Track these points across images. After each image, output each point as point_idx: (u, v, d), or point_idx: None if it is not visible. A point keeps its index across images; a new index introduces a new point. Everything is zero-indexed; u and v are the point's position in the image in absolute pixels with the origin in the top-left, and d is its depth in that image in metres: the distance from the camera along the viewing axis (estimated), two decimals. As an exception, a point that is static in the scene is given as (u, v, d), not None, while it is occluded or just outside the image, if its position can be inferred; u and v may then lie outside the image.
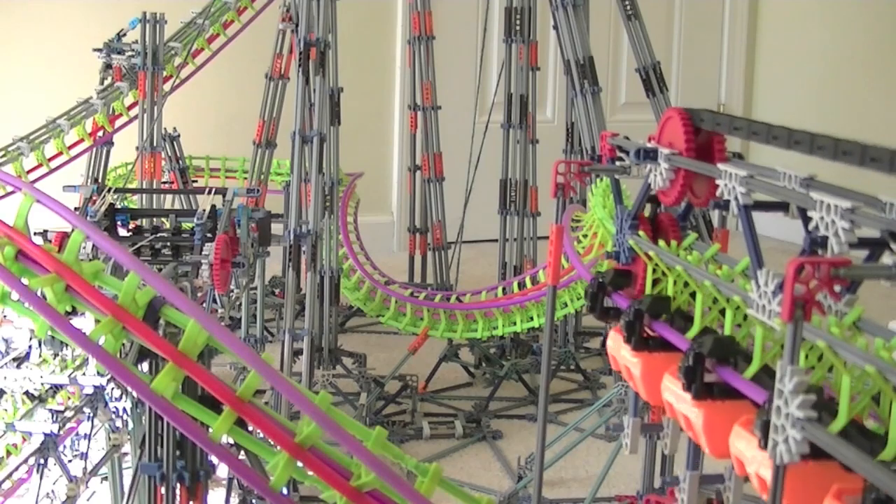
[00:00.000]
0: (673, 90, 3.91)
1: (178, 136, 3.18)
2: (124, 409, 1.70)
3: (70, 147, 2.78)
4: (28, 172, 2.73)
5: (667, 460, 1.50)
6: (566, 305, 2.60)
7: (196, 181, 3.40)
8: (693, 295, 1.06)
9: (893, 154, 0.81)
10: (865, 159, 0.83)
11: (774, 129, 0.96)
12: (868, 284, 0.86)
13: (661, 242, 1.15)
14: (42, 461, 1.55)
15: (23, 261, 1.01)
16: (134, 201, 2.97)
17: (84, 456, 1.69)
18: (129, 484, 1.44)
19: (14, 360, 1.68)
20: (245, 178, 3.38)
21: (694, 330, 1.04)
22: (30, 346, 1.69)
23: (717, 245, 1.09)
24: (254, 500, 1.39)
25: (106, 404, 1.68)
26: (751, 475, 0.87)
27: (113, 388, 1.68)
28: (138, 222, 1.94)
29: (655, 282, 1.14)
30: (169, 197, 3.16)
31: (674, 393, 1.00)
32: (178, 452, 1.22)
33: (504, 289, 2.72)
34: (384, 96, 4.58)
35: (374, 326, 3.34)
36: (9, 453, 1.70)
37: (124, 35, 2.80)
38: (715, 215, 1.50)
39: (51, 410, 1.64)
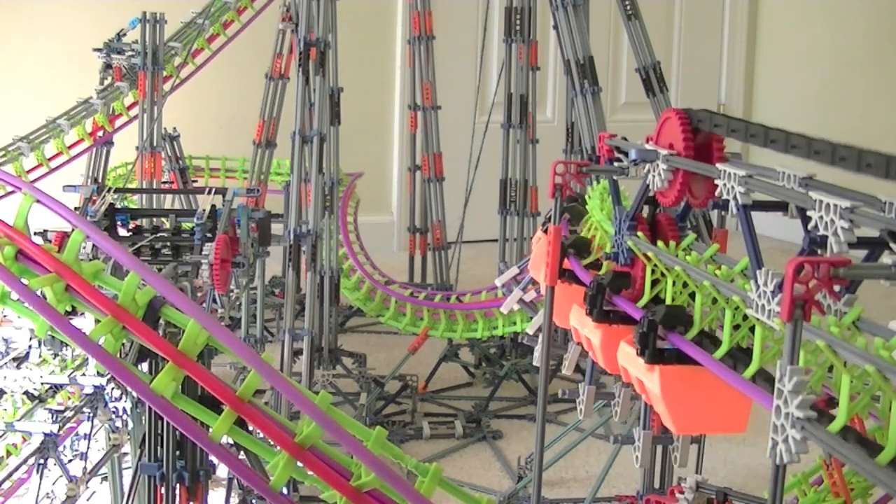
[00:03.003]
0: (673, 90, 3.90)
1: (178, 136, 3.17)
2: (124, 409, 1.70)
3: (70, 147, 2.77)
4: (28, 172, 2.73)
5: (667, 461, 1.51)
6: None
7: (196, 181, 3.39)
8: (692, 296, 1.06)
9: (889, 159, 0.81)
10: (862, 164, 0.83)
11: (772, 132, 0.96)
12: (868, 284, 0.86)
13: (660, 243, 1.15)
14: (42, 461, 1.55)
15: (23, 261, 1.01)
16: (134, 201, 2.97)
17: (84, 456, 1.69)
18: (129, 484, 1.44)
19: (14, 360, 1.68)
20: (245, 178, 3.38)
21: (644, 300, 1.13)
22: (30, 346, 1.70)
23: (716, 245, 1.09)
24: (254, 500, 1.40)
25: (106, 404, 1.68)
26: (633, 381, 1.00)
27: (113, 388, 1.68)
28: (138, 222, 1.94)
29: (654, 282, 1.14)
30: (169, 197, 3.16)
31: (628, 358, 1.08)
32: (178, 452, 1.22)
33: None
34: (384, 96, 4.58)
35: (374, 326, 3.34)
36: (9, 453, 1.70)
37: (124, 35, 2.80)
38: (714, 215, 1.50)
39: (51, 410, 1.64)
